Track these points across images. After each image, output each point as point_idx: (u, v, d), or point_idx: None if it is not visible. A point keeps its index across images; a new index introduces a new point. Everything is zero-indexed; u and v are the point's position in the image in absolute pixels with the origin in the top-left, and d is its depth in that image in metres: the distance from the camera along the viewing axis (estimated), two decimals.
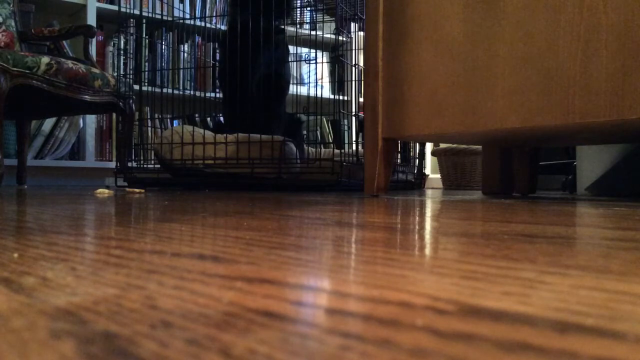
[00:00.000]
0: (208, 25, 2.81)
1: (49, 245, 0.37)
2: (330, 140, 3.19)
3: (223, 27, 2.85)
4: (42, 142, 2.40)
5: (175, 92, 2.68)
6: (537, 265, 0.30)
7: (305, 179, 1.93)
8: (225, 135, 1.98)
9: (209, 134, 2.04)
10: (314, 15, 3.18)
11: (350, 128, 3.18)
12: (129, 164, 2.13)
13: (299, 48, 3.17)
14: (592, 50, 1.06)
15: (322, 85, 3.20)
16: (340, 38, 2.79)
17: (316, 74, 3.19)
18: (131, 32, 2.60)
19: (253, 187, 1.96)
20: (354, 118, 3.20)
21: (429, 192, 2.16)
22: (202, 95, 2.77)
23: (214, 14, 2.86)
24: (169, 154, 2.01)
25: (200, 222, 0.57)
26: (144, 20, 2.64)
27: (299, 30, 3.08)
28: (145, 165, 2.16)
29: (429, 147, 3.51)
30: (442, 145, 3.12)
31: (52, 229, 0.47)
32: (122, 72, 2.57)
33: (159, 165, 2.13)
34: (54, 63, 1.73)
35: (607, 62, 1.05)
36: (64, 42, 2.44)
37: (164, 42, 2.71)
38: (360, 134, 2.22)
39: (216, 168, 1.96)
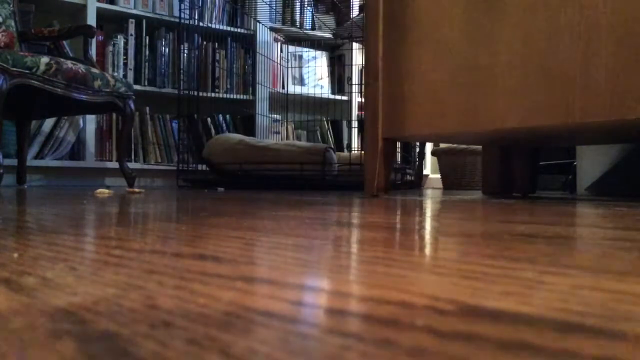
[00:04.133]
0: (208, 25, 2.81)
1: (49, 245, 0.37)
2: (332, 139, 3.19)
3: (223, 27, 2.85)
4: (42, 142, 2.39)
5: (174, 91, 2.68)
6: (537, 265, 0.30)
7: (341, 181, 2.22)
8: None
9: (253, 140, 2.38)
10: (314, 16, 3.18)
11: (355, 128, 3.18)
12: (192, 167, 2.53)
13: (298, 47, 3.17)
14: (592, 50, 1.06)
15: (321, 86, 3.20)
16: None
17: (315, 73, 3.19)
18: (131, 32, 2.60)
19: (283, 187, 2.27)
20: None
21: (428, 192, 2.16)
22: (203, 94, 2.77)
23: (214, 14, 2.86)
24: (223, 159, 2.34)
25: (202, 222, 0.57)
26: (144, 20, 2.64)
27: (299, 30, 3.08)
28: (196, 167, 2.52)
29: (429, 147, 3.51)
30: (442, 145, 3.12)
31: (52, 229, 0.47)
32: (122, 72, 2.57)
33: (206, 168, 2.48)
34: (54, 63, 1.73)
35: (607, 62, 1.05)
36: (63, 42, 2.44)
37: (163, 42, 2.70)
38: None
39: (265, 171, 2.29)
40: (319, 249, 0.36)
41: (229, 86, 2.89)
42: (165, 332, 0.17)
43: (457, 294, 0.22)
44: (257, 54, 2.93)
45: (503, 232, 0.49)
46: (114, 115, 2.56)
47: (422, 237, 0.44)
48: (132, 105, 2.00)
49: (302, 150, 2.25)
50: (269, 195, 1.42)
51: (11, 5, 2.09)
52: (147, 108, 2.68)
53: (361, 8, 2.79)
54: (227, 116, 2.90)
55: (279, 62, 3.06)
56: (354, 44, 3.14)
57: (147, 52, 2.67)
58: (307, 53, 3.18)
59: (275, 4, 3.00)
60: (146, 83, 2.65)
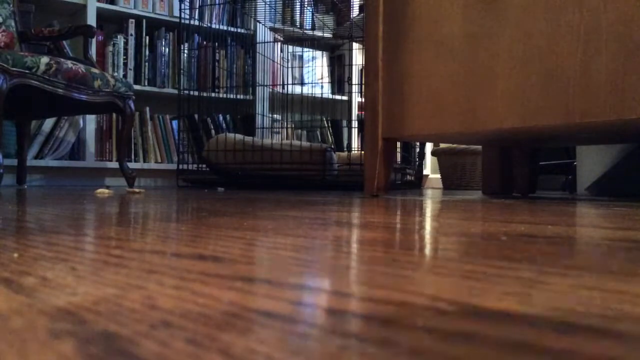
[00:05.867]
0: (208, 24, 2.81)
1: (49, 245, 0.37)
2: (331, 139, 3.19)
3: (223, 27, 2.85)
4: (42, 142, 2.39)
5: (174, 91, 2.67)
6: (537, 265, 0.30)
7: (341, 181, 2.25)
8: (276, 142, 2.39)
9: (254, 140, 2.40)
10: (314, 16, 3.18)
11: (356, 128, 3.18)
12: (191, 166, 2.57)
13: (298, 47, 3.17)
14: (592, 50, 1.06)
15: (321, 86, 3.20)
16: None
17: (315, 73, 3.19)
18: (131, 32, 2.60)
19: (283, 186, 2.32)
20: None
21: (429, 192, 2.16)
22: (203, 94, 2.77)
23: (214, 14, 2.86)
24: (223, 159, 2.36)
25: (201, 222, 0.57)
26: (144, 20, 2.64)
27: (299, 30, 3.08)
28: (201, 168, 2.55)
29: (429, 147, 3.51)
30: (442, 145, 3.12)
31: (52, 229, 0.47)
32: (122, 72, 2.57)
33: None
34: (54, 63, 1.73)
35: (607, 62, 1.05)
36: (63, 42, 2.44)
37: (163, 42, 2.70)
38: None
39: (265, 171, 2.33)
40: (319, 249, 0.36)
41: (229, 86, 2.89)
42: (165, 332, 0.17)
43: (458, 294, 0.22)
44: (257, 54, 2.93)
45: (503, 232, 0.49)
46: (114, 115, 2.56)
47: (422, 237, 0.44)
48: (132, 105, 2.00)
49: (302, 150, 2.27)
50: (269, 195, 1.42)
51: (11, 5, 2.09)
52: (147, 108, 2.68)
53: (361, 8, 2.79)
54: (227, 116, 2.90)
55: (279, 62, 3.06)
56: (354, 44, 3.14)
57: (147, 52, 2.67)
58: (307, 53, 3.18)
59: (275, 4, 3.00)
60: (146, 83, 2.65)
